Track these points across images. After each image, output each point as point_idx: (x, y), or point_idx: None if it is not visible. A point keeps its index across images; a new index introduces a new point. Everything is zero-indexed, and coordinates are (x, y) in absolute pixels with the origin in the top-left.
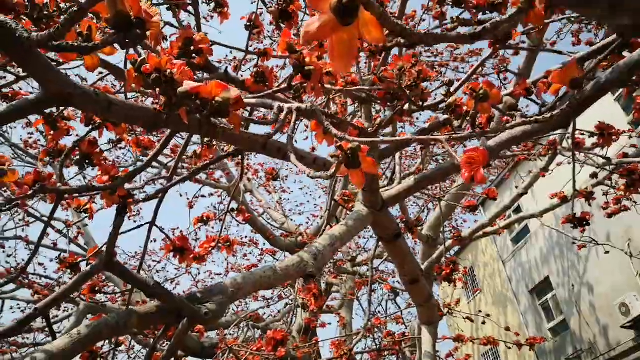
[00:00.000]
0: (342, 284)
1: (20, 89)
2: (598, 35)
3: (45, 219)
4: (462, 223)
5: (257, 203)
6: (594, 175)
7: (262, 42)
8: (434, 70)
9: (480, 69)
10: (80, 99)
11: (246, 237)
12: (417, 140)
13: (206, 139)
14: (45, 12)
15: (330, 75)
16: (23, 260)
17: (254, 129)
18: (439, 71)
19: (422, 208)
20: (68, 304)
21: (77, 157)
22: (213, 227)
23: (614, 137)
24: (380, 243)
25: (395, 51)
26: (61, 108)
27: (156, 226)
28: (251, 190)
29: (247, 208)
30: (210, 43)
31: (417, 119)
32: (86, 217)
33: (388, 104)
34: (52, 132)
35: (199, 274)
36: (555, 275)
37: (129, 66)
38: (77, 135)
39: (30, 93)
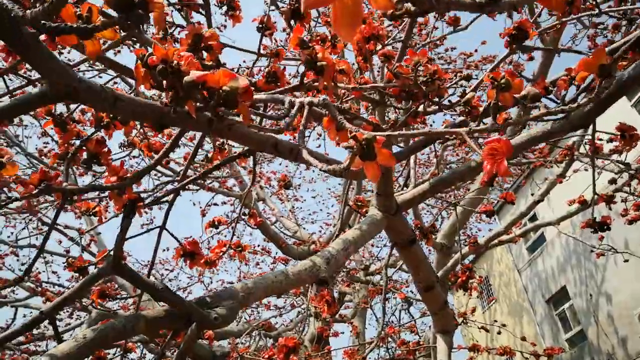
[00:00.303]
0: (355, 292)
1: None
2: (615, 39)
3: (59, 227)
4: (476, 232)
5: (270, 211)
6: (612, 182)
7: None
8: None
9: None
10: (85, 94)
11: (258, 245)
12: (435, 134)
13: (217, 143)
14: None
15: (343, 73)
16: (37, 268)
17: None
18: (452, 78)
19: (436, 216)
20: (80, 312)
21: (85, 156)
22: (225, 236)
23: (635, 141)
24: (394, 249)
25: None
26: (71, 107)
27: (166, 230)
28: (264, 198)
29: (259, 214)
30: (222, 45)
31: (431, 125)
32: (98, 225)
33: (403, 102)
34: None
35: (211, 282)
36: (572, 284)
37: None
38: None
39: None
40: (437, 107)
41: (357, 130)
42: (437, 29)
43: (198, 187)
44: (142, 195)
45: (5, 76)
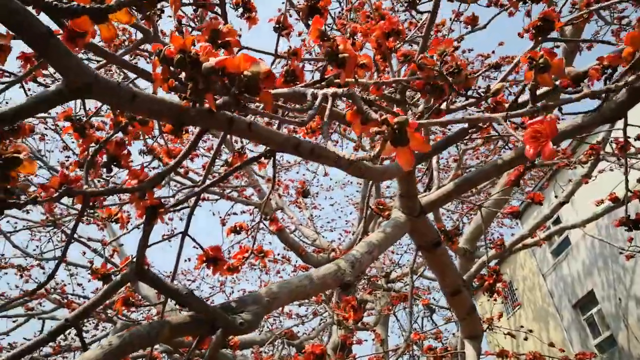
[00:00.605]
0: (377, 300)
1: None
2: None
3: (82, 239)
4: (498, 236)
5: (288, 220)
6: None
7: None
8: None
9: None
10: (102, 90)
11: (278, 254)
12: (472, 120)
13: (237, 147)
14: None
15: (364, 67)
16: (62, 281)
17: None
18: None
19: (456, 222)
20: (106, 323)
21: (105, 159)
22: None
23: None
24: (419, 253)
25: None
26: (89, 110)
27: (188, 236)
28: (282, 207)
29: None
30: (240, 43)
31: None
32: (121, 235)
33: (426, 98)
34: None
35: (233, 292)
36: (599, 288)
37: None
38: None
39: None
40: (464, 99)
41: (386, 114)
42: (453, 31)
43: (217, 197)
44: (163, 201)
45: (24, 83)
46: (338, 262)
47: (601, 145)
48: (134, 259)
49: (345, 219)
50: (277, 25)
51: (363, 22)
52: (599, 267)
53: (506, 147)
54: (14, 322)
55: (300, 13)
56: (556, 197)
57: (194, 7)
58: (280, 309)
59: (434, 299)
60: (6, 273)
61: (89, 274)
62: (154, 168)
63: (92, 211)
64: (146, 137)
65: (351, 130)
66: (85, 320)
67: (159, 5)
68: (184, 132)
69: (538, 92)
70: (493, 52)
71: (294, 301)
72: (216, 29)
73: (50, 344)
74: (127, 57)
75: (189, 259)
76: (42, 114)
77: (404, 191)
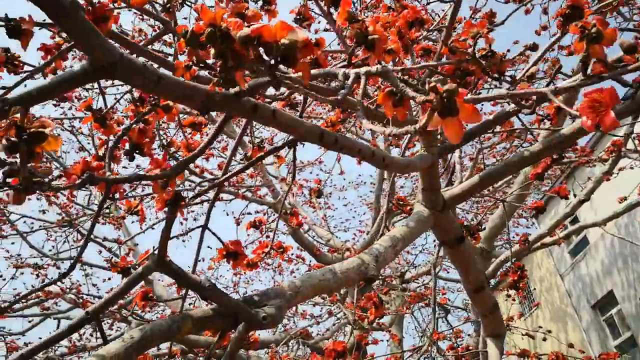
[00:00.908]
0: (392, 300)
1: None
2: None
3: (98, 239)
4: (513, 237)
5: (302, 220)
6: None
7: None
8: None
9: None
10: (127, 69)
11: (292, 254)
12: (517, 95)
13: (257, 141)
14: None
15: (391, 53)
16: (78, 281)
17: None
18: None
19: (471, 221)
20: (121, 323)
21: (126, 147)
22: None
23: None
24: (442, 249)
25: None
26: (108, 103)
27: (208, 229)
28: (296, 207)
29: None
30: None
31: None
32: (136, 235)
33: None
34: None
35: (246, 293)
36: (619, 288)
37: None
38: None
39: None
40: (497, 83)
41: (425, 100)
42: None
43: (232, 197)
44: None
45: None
46: (361, 256)
47: (622, 140)
48: (155, 251)
49: (358, 219)
50: (298, 17)
51: (384, 13)
52: (619, 267)
53: (523, 145)
54: (29, 321)
55: (323, 1)
56: (575, 195)
57: None
58: (294, 308)
59: (449, 300)
60: (22, 273)
61: (108, 267)
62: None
63: (110, 204)
64: (163, 131)
65: (364, 131)
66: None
67: None
68: (203, 126)
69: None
70: (508, 50)
71: (317, 295)
72: (241, 12)
73: (66, 344)
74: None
75: (203, 259)
76: (58, 115)
77: (427, 185)
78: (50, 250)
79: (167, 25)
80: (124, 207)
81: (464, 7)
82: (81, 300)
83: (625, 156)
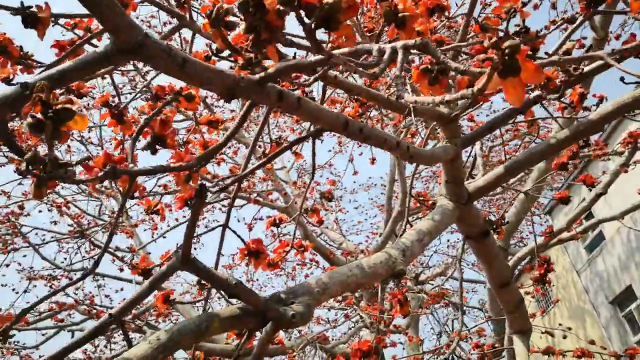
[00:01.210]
0: (395, 307)
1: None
2: None
3: (110, 249)
4: (527, 235)
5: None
6: None
7: None
8: None
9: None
10: (152, 51)
11: (305, 258)
12: (570, 60)
13: (274, 137)
14: None
15: (420, 34)
16: (90, 292)
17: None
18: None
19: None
20: (134, 334)
21: (149, 139)
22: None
23: None
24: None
25: None
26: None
27: (229, 228)
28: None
29: (306, 231)
30: None
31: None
32: (149, 243)
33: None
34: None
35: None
36: (638, 283)
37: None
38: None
39: None
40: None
41: (467, 67)
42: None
43: (244, 202)
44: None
45: None
46: (388, 250)
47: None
48: (179, 248)
49: (370, 221)
50: None
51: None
52: (637, 262)
53: (535, 141)
54: (43, 335)
55: None
56: (590, 190)
57: None
58: None
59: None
60: (35, 286)
61: (129, 268)
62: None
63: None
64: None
65: (385, 125)
66: (113, 331)
67: None
68: (220, 124)
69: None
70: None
71: (345, 292)
72: None
73: (81, 356)
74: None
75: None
76: None
77: (450, 177)
78: (62, 262)
79: (182, 20)
80: (144, 206)
81: None
82: (95, 311)
83: None
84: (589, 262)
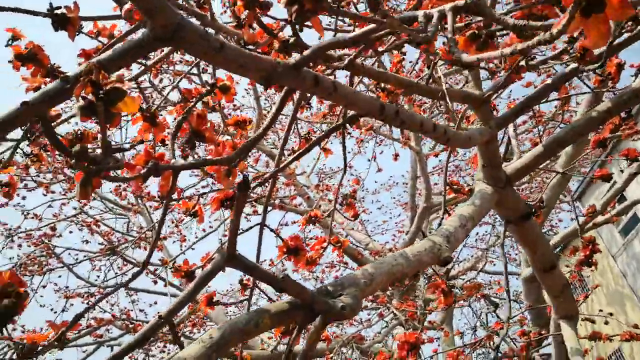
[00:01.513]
0: (438, 298)
1: None
2: None
3: (139, 263)
4: (556, 223)
5: (339, 226)
6: None
7: None
8: None
9: None
10: (188, 36)
11: (332, 261)
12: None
13: (303, 133)
14: None
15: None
16: (125, 307)
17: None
18: None
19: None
20: (170, 345)
21: (187, 135)
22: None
23: None
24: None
25: None
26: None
27: (266, 226)
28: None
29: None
30: None
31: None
32: (184, 251)
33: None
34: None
35: None
36: None
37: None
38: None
39: None
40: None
41: (522, 25)
42: None
43: (269, 209)
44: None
45: None
46: (432, 238)
47: None
48: (223, 246)
49: (394, 220)
50: None
51: None
52: None
53: (559, 126)
54: (83, 352)
55: None
56: (622, 171)
57: None
58: None
59: (496, 293)
60: (72, 304)
61: (171, 271)
62: (203, 187)
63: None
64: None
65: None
66: (151, 344)
67: None
68: (248, 124)
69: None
70: None
71: (391, 282)
72: None
73: None
74: None
75: None
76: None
77: (487, 161)
78: (96, 280)
79: (203, 20)
80: (182, 208)
81: None
82: (132, 325)
83: None
84: (625, 245)
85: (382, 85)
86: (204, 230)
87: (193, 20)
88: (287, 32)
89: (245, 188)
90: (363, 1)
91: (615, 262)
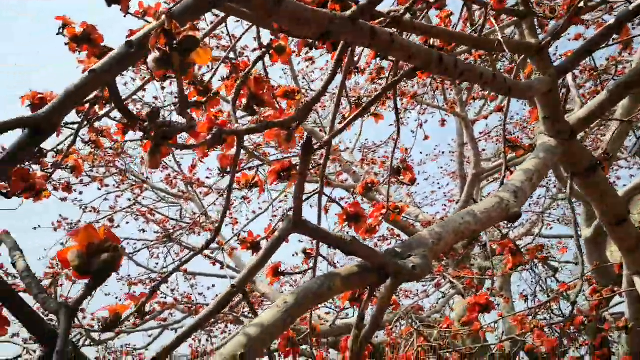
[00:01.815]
0: (497, 265)
1: None
2: None
3: (196, 248)
4: (614, 181)
5: (385, 199)
6: None
7: None
8: None
9: None
10: None
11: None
12: None
13: (353, 99)
14: None
15: None
16: (185, 292)
17: None
18: None
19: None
20: (231, 325)
21: (245, 101)
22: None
23: None
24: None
25: None
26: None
27: (325, 195)
28: (378, 187)
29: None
30: None
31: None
32: (234, 236)
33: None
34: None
35: None
36: None
37: None
38: None
39: None
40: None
41: None
42: None
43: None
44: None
45: None
46: (499, 194)
47: None
48: (288, 212)
49: (443, 190)
50: None
51: None
52: None
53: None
54: (149, 336)
55: None
56: None
57: None
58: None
59: (554, 257)
60: (135, 292)
61: (238, 244)
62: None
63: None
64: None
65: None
66: (213, 325)
67: None
68: (297, 94)
69: None
70: None
71: (460, 241)
72: None
73: (186, 352)
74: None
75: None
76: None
77: (548, 112)
78: (155, 266)
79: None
80: (241, 180)
81: None
82: (194, 308)
83: None
84: None
85: (431, 42)
86: (254, 212)
87: None
88: None
89: (309, 148)
90: None
91: None
